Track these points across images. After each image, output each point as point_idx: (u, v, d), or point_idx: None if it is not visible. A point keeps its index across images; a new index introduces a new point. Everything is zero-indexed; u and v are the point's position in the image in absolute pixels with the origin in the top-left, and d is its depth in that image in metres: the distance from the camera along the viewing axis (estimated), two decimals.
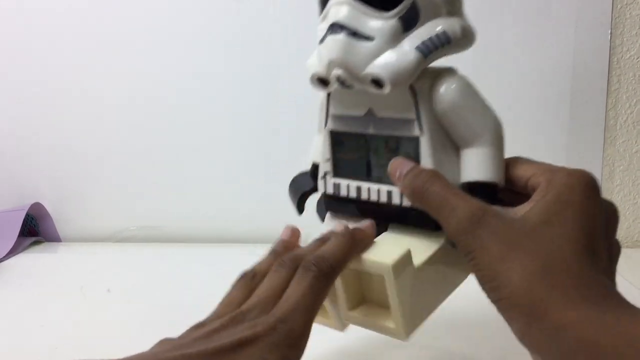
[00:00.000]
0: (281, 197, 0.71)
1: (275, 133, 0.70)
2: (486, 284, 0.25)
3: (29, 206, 0.74)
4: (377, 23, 0.28)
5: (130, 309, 0.51)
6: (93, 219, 0.77)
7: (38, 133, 0.75)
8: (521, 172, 0.29)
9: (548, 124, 0.66)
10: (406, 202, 0.30)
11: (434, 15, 0.28)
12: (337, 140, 0.33)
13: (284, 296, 0.27)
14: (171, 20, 0.70)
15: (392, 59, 0.28)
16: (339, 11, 0.28)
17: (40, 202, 0.76)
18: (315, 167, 0.35)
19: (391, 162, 0.30)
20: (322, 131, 0.34)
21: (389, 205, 0.31)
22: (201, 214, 0.74)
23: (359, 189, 0.33)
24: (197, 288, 0.55)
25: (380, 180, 0.32)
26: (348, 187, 0.33)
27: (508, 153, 0.30)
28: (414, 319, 0.30)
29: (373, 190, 0.32)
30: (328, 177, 0.34)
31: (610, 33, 0.63)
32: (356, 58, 0.28)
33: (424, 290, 0.30)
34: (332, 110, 0.33)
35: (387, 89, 0.28)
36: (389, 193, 0.31)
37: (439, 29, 0.28)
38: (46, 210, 0.77)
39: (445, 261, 0.31)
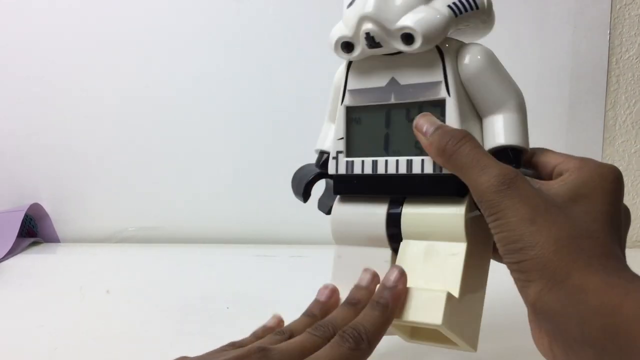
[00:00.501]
0: (281, 197, 0.71)
1: (275, 133, 0.70)
2: (510, 244, 0.25)
3: (27, 207, 0.74)
4: None
5: (129, 310, 0.51)
6: (92, 219, 0.77)
7: (37, 133, 0.75)
8: (548, 159, 0.29)
9: (547, 124, 0.66)
10: (427, 170, 0.30)
11: None
12: (354, 117, 0.33)
13: (315, 354, 0.26)
14: (171, 20, 0.70)
15: (424, 14, 0.28)
16: None
17: (39, 202, 0.76)
18: (322, 155, 0.35)
19: (418, 117, 0.30)
20: (334, 116, 0.34)
21: (407, 176, 0.31)
22: (201, 214, 0.74)
23: (374, 164, 0.32)
24: (196, 288, 0.55)
25: (399, 152, 0.31)
26: (363, 163, 0.32)
27: None
28: (474, 332, 0.29)
29: (391, 163, 0.31)
30: (340, 157, 0.33)
31: (609, 33, 0.63)
32: (388, 11, 0.29)
33: (469, 306, 0.29)
34: (350, 86, 0.33)
35: (417, 44, 0.28)
36: (409, 162, 0.31)
37: None
38: (45, 211, 0.77)
39: (473, 258, 0.29)
